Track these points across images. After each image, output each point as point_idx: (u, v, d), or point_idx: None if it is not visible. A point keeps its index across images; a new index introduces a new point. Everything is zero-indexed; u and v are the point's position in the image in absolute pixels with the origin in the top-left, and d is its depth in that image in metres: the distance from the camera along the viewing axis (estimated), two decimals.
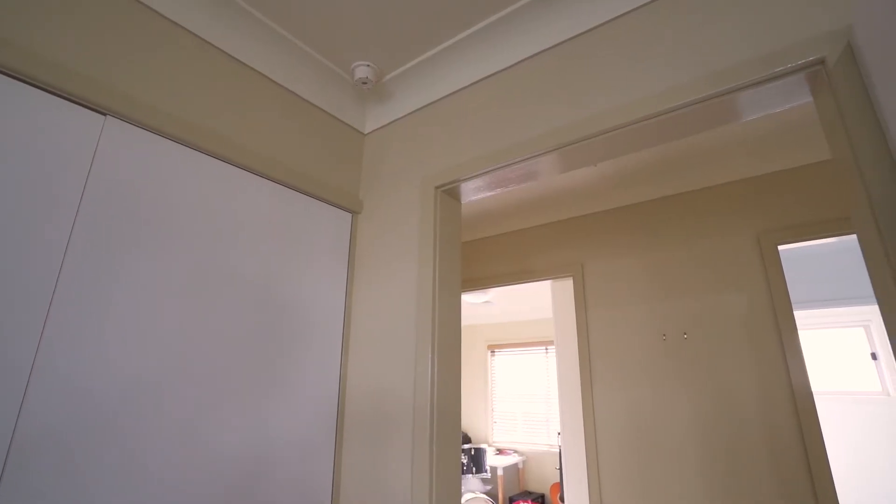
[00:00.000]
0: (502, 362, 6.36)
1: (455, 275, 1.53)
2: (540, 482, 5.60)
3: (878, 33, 0.80)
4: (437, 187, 1.50)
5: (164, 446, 1.09)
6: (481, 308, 5.66)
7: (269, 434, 1.32)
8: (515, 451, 5.77)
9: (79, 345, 1.00)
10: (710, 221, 2.28)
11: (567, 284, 2.71)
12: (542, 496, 5.43)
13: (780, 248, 2.12)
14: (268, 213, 1.44)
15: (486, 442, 6.07)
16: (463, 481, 5.17)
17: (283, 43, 1.49)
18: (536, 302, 5.30)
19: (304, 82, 1.62)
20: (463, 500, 4.58)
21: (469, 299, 5.01)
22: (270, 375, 1.35)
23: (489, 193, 1.57)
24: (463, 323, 6.75)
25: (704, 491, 2.01)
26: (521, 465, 5.67)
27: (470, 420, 6.36)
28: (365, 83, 1.60)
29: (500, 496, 5.24)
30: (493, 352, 6.47)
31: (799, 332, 4.05)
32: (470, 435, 6.25)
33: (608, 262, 2.51)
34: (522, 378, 6.10)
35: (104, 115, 1.12)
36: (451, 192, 1.54)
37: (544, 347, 6.02)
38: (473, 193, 1.57)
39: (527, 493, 5.45)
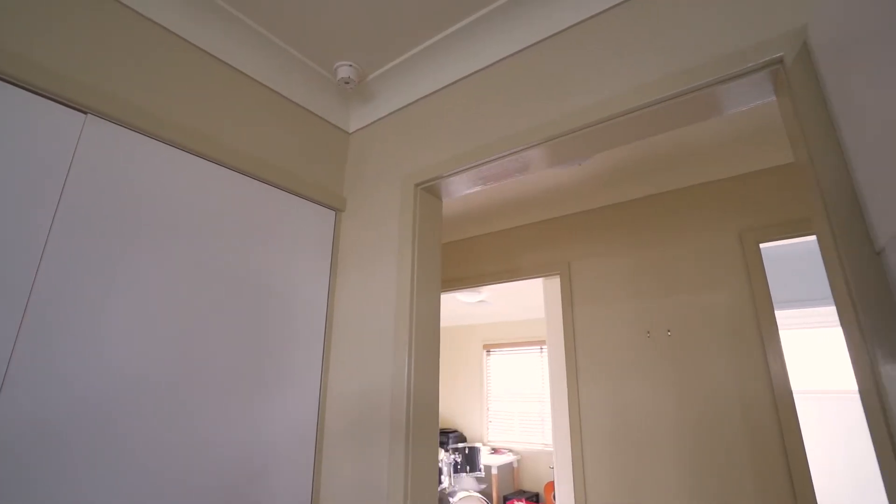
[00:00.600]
0: (498, 362, 6.38)
1: (434, 272, 1.55)
2: (535, 481, 5.62)
3: (830, 34, 0.82)
4: (416, 185, 1.52)
5: (137, 446, 1.12)
6: (477, 308, 5.68)
7: (249, 435, 1.34)
8: (510, 451, 5.79)
9: (56, 342, 1.02)
10: (693, 220, 2.30)
11: (558, 283, 2.73)
12: (537, 495, 5.45)
13: (763, 246, 2.14)
14: (249, 211, 1.47)
15: (482, 441, 6.09)
16: (457, 480, 5.19)
17: (265, 43, 1.52)
18: (531, 301, 5.32)
19: (288, 82, 1.65)
20: (456, 499, 4.60)
21: (464, 299, 5.03)
22: (254, 375, 1.37)
23: (470, 191, 1.59)
24: (459, 322, 6.77)
25: (686, 486, 2.03)
26: (515, 465, 5.69)
27: (465, 419, 6.37)
28: (348, 83, 1.63)
29: (495, 495, 5.26)
30: (488, 351, 6.49)
31: (784, 331, 4.09)
32: (465, 434, 6.27)
33: (594, 261, 2.53)
34: (518, 377, 6.12)
35: (85, 113, 1.15)
36: (431, 190, 1.56)
37: (539, 347, 6.04)
38: (454, 191, 1.59)
39: (521, 493, 5.46)
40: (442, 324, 6.88)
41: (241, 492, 1.29)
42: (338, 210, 1.75)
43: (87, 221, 1.11)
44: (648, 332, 2.26)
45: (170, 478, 1.15)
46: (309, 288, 1.59)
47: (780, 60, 0.96)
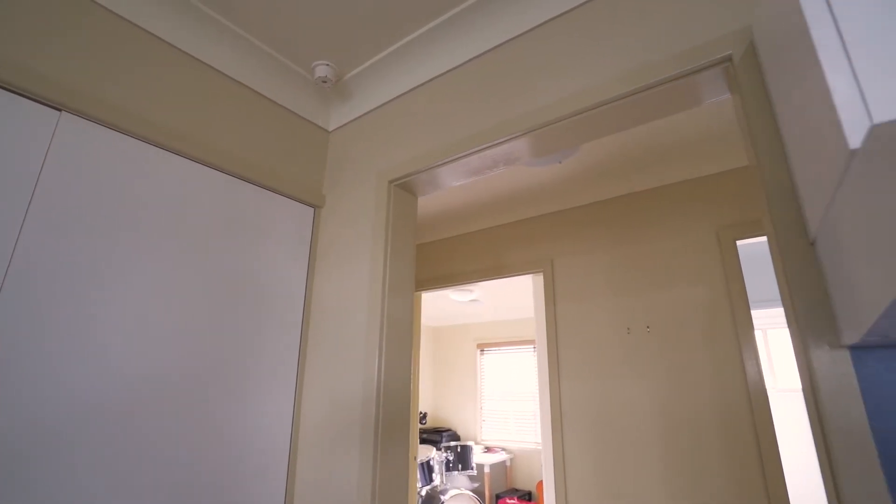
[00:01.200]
0: (491, 361, 6.40)
1: (408, 270, 1.57)
2: (528, 480, 5.64)
3: (768, 34, 0.85)
4: (390, 181, 1.55)
5: (99, 447, 1.14)
6: (470, 307, 5.71)
7: (224, 435, 1.36)
8: (503, 449, 5.81)
9: (27, 339, 1.05)
10: (672, 217, 2.33)
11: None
12: (529, 493, 5.47)
13: (743, 244, 2.17)
14: (227, 207, 1.49)
15: (475, 440, 6.11)
16: (449, 478, 5.21)
17: (242, 43, 1.55)
18: (524, 301, 5.34)
19: (266, 81, 1.67)
20: (448, 497, 4.62)
21: (456, 298, 5.06)
22: (230, 374, 1.40)
23: (445, 187, 1.62)
24: (453, 322, 6.80)
25: (664, 482, 2.06)
26: (508, 463, 5.71)
27: (459, 418, 6.40)
28: (325, 82, 1.66)
29: (487, 493, 5.28)
30: (482, 350, 6.51)
31: (767, 330, 4.11)
32: (459, 433, 6.29)
33: (576, 258, 2.56)
34: (511, 376, 6.14)
35: (59, 110, 1.18)
36: (405, 186, 1.59)
37: (532, 346, 6.06)
38: (429, 187, 1.62)
39: (514, 491, 5.48)
40: (436, 323, 6.90)
41: (217, 492, 1.31)
42: (317, 207, 1.78)
43: (62, 218, 1.13)
44: (628, 329, 2.29)
45: (139, 480, 1.17)
46: (286, 285, 1.61)
47: (730, 59, 0.98)
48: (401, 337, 1.49)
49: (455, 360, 6.70)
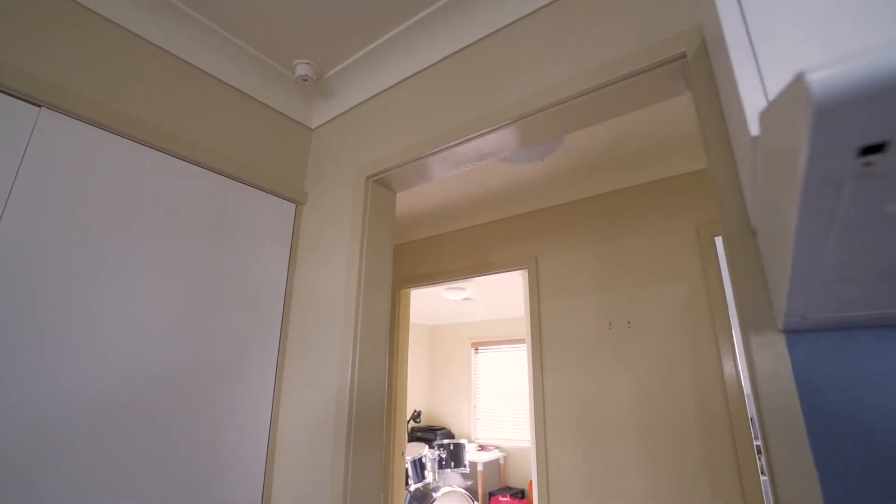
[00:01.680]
0: (486, 360, 6.43)
1: (385, 266, 1.58)
2: (521, 478, 5.66)
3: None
4: (368, 177, 1.58)
5: (84, 443, 1.17)
6: (464, 306, 5.74)
7: (202, 435, 1.39)
8: (497, 448, 5.84)
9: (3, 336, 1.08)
10: (654, 214, 2.36)
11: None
12: (522, 492, 5.49)
13: (719, 239, 2.20)
14: (209, 204, 1.52)
15: (470, 438, 6.13)
16: (441, 476, 5.23)
17: (223, 42, 1.58)
18: (517, 299, 5.37)
19: (248, 80, 1.71)
20: (439, 494, 4.64)
21: (449, 296, 5.09)
22: (212, 372, 1.43)
23: (422, 183, 1.65)
24: (448, 321, 6.83)
25: (643, 476, 2.09)
26: (502, 461, 5.74)
27: (454, 417, 6.43)
28: (306, 80, 1.69)
29: (480, 491, 5.31)
30: (476, 349, 6.54)
31: None
32: (453, 431, 6.32)
33: (560, 255, 2.59)
34: (505, 375, 6.17)
35: (39, 106, 1.21)
36: (382, 182, 1.62)
37: (525, 344, 6.08)
38: (407, 183, 1.65)
39: (507, 489, 5.51)
40: (431, 322, 6.93)
41: (196, 492, 1.33)
42: (298, 203, 1.81)
43: (41, 213, 1.17)
44: (610, 324, 2.32)
45: (115, 480, 1.20)
46: (268, 283, 1.64)
47: (684, 56, 1.01)
48: (376, 334, 1.49)
49: (450, 359, 6.73)
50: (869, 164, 0.29)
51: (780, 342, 0.76)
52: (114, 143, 1.33)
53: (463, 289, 4.85)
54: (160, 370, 1.32)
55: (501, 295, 5.23)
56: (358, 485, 1.34)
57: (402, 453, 2.97)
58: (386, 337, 1.53)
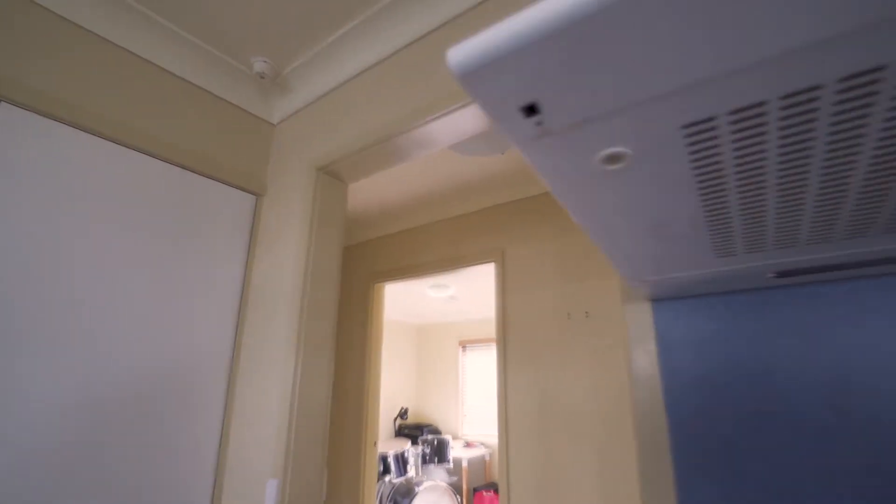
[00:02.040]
0: (473, 358, 6.50)
1: (334, 260, 1.63)
2: None
3: None
4: (318, 168, 1.66)
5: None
6: (451, 305, 5.81)
7: (154, 447, 1.43)
8: (483, 444, 5.91)
9: None
10: None
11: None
12: None
13: None
14: (170, 195, 1.60)
15: (456, 435, 6.20)
16: (424, 471, 5.30)
17: (180, 40, 1.66)
18: None
19: (210, 78, 1.79)
20: (422, 488, 4.71)
21: (433, 294, 5.16)
22: (167, 375, 1.50)
23: (372, 173, 1.72)
24: (436, 320, 6.90)
25: (598, 468, 2.15)
26: (487, 458, 5.81)
27: (441, 415, 6.50)
28: (263, 77, 1.77)
29: (465, 487, 5.37)
30: (464, 348, 6.61)
31: None
32: (440, 429, 6.38)
33: (525, 248, 2.66)
34: (492, 373, 6.23)
35: None
36: (333, 173, 1.69)
37: None
38: (359, 172, 1.71)
39: (491, 485, 5.57)
40: (419, 321, 7.00)
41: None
42: (258, 195, 1.89)
43: None
44: (569, 314, 2.39)
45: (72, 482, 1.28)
46: (223, 273, 1.71)
47: None
48: (320, 334, 1.50)
49: (438, 358, 6.80)
50: (540, 123, 0.36)
51: (647, 310, 0.84)
52: (72, 137, 1.41)
53: (447, 286, 4.92)
54: (108, 391, 1.38)
55: (486, 293, 5.30)
56: (297, 487, 1.35)
57: (375, 443, 3.04)
58: (332, 331, 1.55)
